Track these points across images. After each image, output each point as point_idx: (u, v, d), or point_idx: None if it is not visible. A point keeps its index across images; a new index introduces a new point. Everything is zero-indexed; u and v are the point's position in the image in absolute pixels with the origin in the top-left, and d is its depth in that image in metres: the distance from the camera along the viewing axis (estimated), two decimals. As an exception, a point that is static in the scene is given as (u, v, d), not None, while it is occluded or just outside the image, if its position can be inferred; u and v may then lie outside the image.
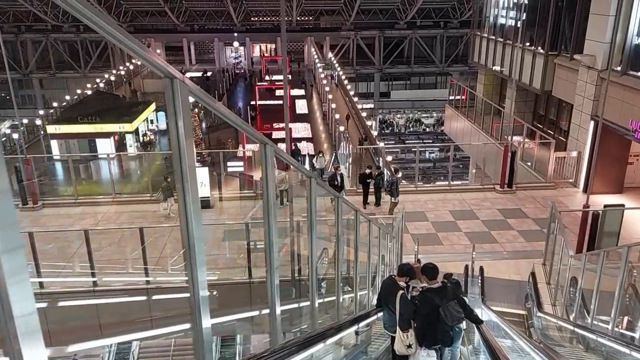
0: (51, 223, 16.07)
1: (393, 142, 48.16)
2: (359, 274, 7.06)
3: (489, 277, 12.73)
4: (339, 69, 48.28)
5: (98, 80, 43.77)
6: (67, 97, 42.41)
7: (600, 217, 13.41)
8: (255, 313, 9.52)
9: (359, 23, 54.52)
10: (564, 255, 11.39)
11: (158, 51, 51.20)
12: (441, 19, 54.48)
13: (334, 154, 29.47)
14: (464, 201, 17.94)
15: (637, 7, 16.36)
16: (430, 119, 54.68)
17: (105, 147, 29.87)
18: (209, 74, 53.77)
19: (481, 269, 12.78)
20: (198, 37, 58.79)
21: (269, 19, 57.49)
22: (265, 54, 59.11)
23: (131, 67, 49.48)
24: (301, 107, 44.07)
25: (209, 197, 16.97)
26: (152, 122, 37.40)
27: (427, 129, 54.38)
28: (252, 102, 43.00)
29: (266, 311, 3.09)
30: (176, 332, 10.51)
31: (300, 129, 37.47)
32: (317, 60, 50.13)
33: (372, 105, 52.95)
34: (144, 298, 11.39)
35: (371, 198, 17.66)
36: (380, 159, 23.12)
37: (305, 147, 33.06)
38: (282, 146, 19.62)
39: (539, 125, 24.31)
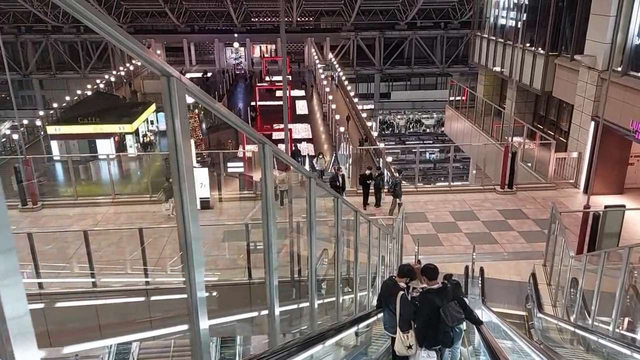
0: (50, 224, 16.05)
1: (393, 143, 48.19)
2: (359, 275, 7.05)
3: (489, 278, 12.71)
4: (339, 69, 48.31)
5: (98, 81, 43.79)
6: (67, 98, 42.45)
7: (600, 218, 13.39)
8: (256, 314, 9.51)
9: (359, 24, 54.56)
10: (565, 256, 11.36)
11: (158, 52, 51.23)
12: (441, 20, 54.51)
13: (334, 155, 29.48)
14: (464, 202, 17.92)
15: (638, 7, 16.34)
16: (430, 119, 54.70)
17: (105, 147, 29.85)
18: (209, 74, 53.78)
19: (481, 269, 12.76)
20: (198, 38, 58.84)
21: (269, 19, 57.52)
22: (266, 55, 59.15)
23: (131, 68, 49.51)
24: (301, 107, 44.10)
25: (208, 197, 16.97)
26: (152, 122, 37.40)
27: (428, 130, 54.40)
28: (253, 103, 42.99)
29: (266, 312, 3.07)
30: (176, 332, 10.50)
31: (301, 130, 37.49)
32: (317, 61, 50.15)
33: (372, 106, 52.98)
34: (143, 299, 11.37)
35: (371, 199, 17.65)
36: (381, 159, 23.12)
37: (306, 148, 33.07)
38: (283, 147, 19.61)
39: (539, 125, 24.29)
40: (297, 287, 8.14)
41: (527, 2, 23.13)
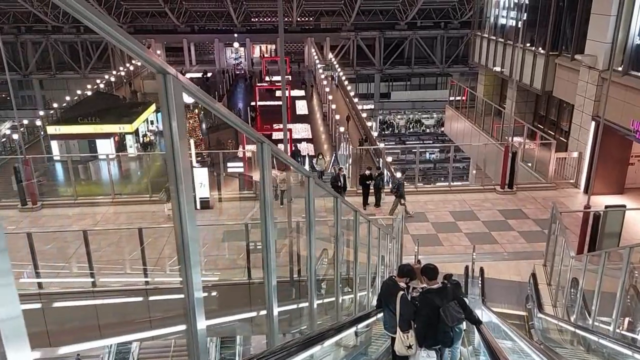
0: (50, 223, 16.05)
1: (393, 143, 48.18)
2: (358, 275, 7.03)
3: (490, 278, 12.69)
4: (339, 69, 48.29)
5: (98, 81, 43.79)
6: (67, 98, 42.46)
7: (601, 218, 13.38)
8: (255, 314, 9.50)
9: (359, 24, 54.54)
10: (565, 256, 11.34)
11: (158, 52, 51.21)
12: (442, 20, 54.50)
13: (334, 155, 29.48)
14: (465, 202, 17.91)
15: (639, 7, 16.33)
16: (430, 119, 54.68)
17: (105, 147, 29.86)
18: (209, 74, 53.77)
19: (481, 269, 12.74)
20: (198, 38, 58.83)
21: (269, 19, 57.50)
22: (266, 55, 59.13)
23: (131, 68, 49.50)
24: (301, 107, 44.09)
25: (208, 197, 16.96)
26: (152, 122, 37.41)
27: (428, 130, 54.37)
28: (253, 103, 42.99)
29: (265, 312, 3.05)
30: (175, 332, 10.49)
31: (301, 130, 37.49)
32: (317, 61, 50.14)
33: (372, 106, 52.97)
34: (142, 299, 11.37)
35: (371, 199, 17.64)
36: (381, 159, 23.11)
37: (306, 148, 33.06)
38: (282, 147, 19.57)
39: (539, 125, 24.27)
40: (297, 286, 8.13)
41: (527, 2, 23.10)
